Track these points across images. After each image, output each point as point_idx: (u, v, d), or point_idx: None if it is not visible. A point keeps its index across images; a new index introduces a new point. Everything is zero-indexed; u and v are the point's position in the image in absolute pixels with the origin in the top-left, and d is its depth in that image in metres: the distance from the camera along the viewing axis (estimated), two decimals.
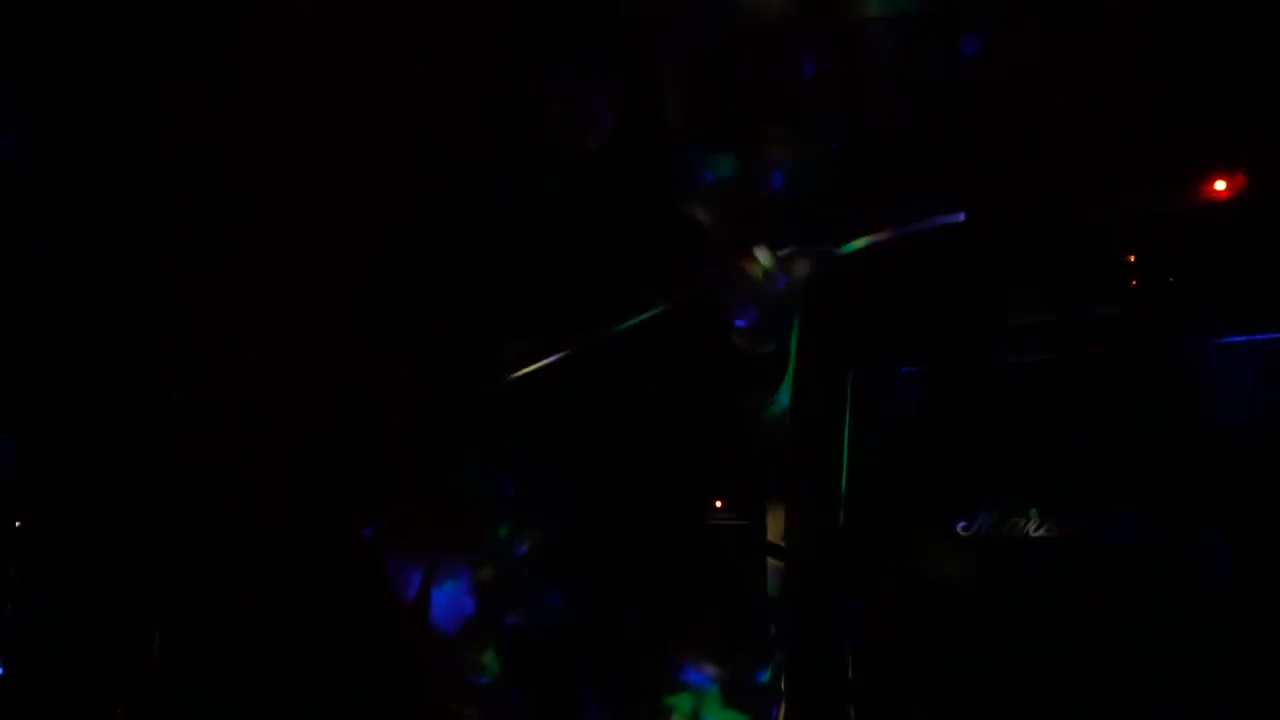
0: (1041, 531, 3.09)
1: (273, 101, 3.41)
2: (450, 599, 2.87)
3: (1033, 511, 3.11)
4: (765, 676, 2.89)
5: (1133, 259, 3.21)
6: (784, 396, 2.73)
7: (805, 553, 3.28)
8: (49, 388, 3.41)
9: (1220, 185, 3.11)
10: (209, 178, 3.44)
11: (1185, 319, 3.09)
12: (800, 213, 3.30)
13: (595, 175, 2.88)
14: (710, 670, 2.83)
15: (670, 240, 2.85)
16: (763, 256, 2.49)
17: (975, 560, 3.15)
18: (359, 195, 3.27)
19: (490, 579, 2.88)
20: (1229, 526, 2.92)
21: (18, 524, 3.34)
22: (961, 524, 3.18)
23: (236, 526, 3.44)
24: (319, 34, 3.41)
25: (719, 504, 3.23)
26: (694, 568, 2.91)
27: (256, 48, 3.44)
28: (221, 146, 3.44)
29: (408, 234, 2.99)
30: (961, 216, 2.46)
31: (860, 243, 2.49)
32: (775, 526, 3.39)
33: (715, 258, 2.65)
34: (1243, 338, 2.98)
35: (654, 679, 2.80)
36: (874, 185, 3.34)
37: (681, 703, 2.80)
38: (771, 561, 3.38)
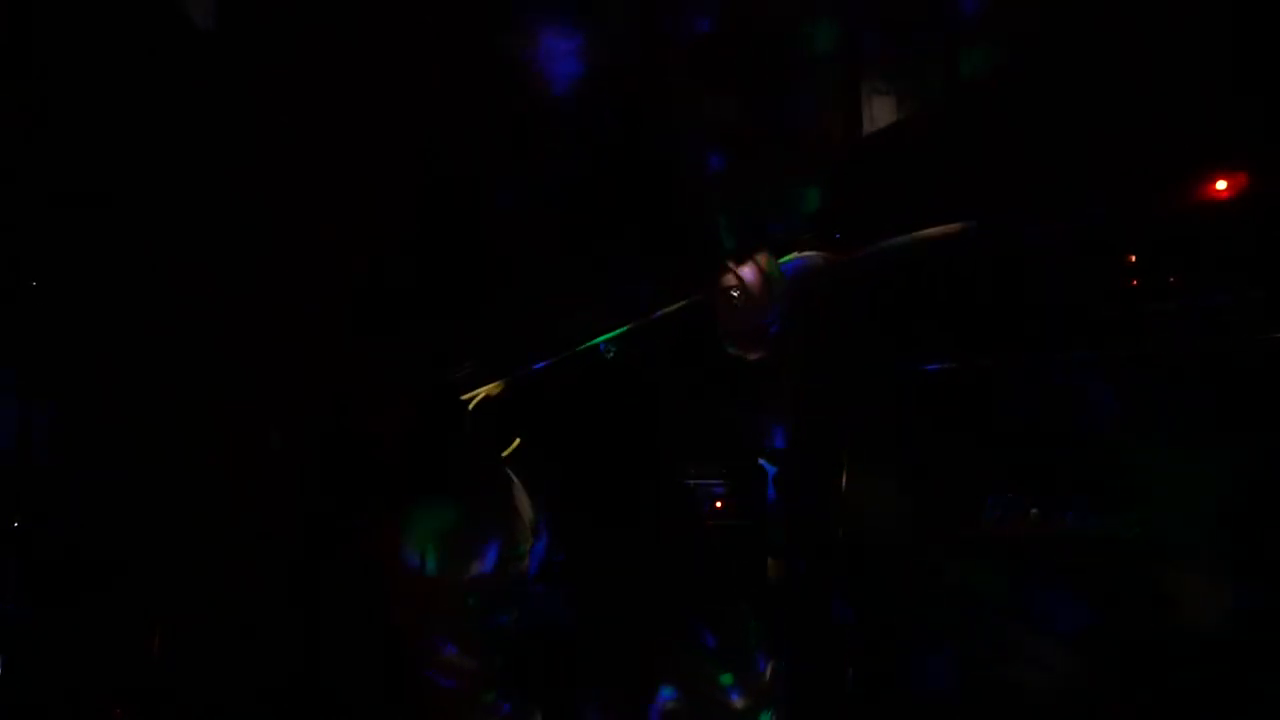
0: (1042, 530, 3.10)
1: (269, 106, 3.42)
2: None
3: (1034, 512, 3.11)
4: (765, 676, 2.89)
5: (1134, 259, 3.21)
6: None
7: (805, 553, 3.28)
8: (48, 388, 3.42)
9: (1221, 185, 3.11)
10: (206, 180, 3.45)
11: (1186, 319, 3.10)
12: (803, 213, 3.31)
13: (598, 168, 2.88)
14: (710, 669, 2.84)
15: (673, 240, 2.85)
16: (766, 262, 2.50)
17: (975, 559, 3.15)
18: (356, 197, 3.28)
19: (490, 576, 2.88)
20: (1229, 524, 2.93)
21: (16, 524, 3.35)
22: (963, 523, 3.18)
23: (236, 526, 3.45)
24: (315, 35, 3.42)
25: (719, 504, 3.23)
26: (694, 568, 2.91)
27: (252, 48, 3.45)
28: (218, 151, 3.45)
29: (404, 237, 3.00)
30: (960, 217, 2.46)
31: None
32: (776, 526, 3.39)
33: (718, 259, 2.64)
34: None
35: (654, 678, 2.81)
36: (876, 186, 3.34)
37: (681, 700, 2.81)
38: (772, 561, 3.38)
